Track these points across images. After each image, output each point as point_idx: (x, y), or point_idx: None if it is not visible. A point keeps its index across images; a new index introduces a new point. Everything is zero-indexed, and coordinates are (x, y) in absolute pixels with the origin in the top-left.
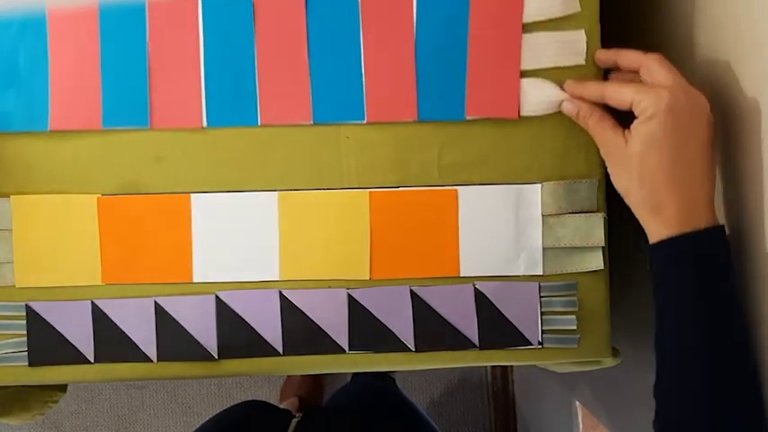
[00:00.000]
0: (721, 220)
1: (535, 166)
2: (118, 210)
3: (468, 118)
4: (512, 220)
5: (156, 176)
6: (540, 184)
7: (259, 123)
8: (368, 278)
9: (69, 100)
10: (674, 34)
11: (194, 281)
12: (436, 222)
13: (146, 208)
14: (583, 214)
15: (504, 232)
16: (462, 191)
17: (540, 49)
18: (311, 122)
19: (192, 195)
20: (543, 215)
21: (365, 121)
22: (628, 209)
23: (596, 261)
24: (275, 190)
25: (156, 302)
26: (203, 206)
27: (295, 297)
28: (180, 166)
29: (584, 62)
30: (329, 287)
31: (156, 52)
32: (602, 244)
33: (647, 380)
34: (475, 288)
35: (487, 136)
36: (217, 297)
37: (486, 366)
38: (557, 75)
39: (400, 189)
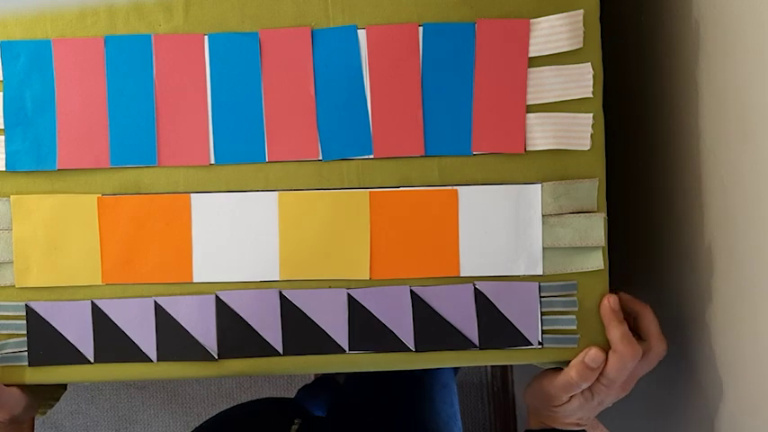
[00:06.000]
0: (722, 222)
1: (535, 166)
2: (118, 210)
3: (475, 153)
4: (512, 220)
5: (156, 176)
6: (539, 184)
7: (267, 160)
8: (368, 278)
9: (77, 139)
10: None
11: (194, 281)
12: (436, 222)
13: (146, 208)
14: (583, 214)
15: (504, 232)
16: (462, 191)
17: (547, 84)
18: (319, 158)
19: (191, 195)
20: (543, 215)
21: (372, 156)
22: (628, 208)
23: (596, 261)
24: (275, 190)
25: (156, 302)
26: (203, 206)
27: (295, 297)
28: (180, 166)
29: (591, 95)
30: (329, 287)
31: (163, 90)
32: (602, 244)
33: (646, 379)
34: (475, 288)
35: None
36: (217, 297)
37: (486, 366)
38: (563, 108)
39: (400, 189)
